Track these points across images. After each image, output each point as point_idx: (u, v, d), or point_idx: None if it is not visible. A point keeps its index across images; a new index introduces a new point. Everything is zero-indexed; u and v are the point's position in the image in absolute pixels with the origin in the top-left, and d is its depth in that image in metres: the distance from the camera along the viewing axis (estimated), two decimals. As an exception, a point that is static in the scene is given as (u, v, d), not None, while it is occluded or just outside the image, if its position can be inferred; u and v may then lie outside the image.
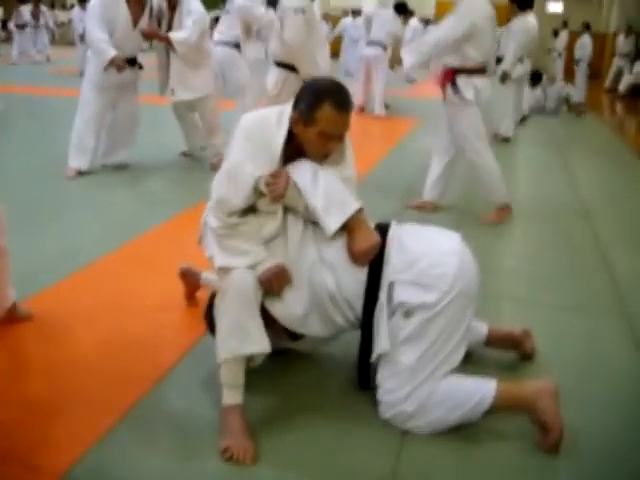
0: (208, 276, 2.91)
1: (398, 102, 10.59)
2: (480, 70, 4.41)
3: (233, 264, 2.20)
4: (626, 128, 11.49)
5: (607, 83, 16.07)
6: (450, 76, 4.42)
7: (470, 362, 2.46)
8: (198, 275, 2.99)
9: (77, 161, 5.25)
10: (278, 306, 2.24)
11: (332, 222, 2.21)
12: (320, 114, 2.20)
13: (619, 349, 2.89)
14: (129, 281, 3.32)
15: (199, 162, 6.00)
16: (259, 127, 2.25)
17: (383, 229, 2.30)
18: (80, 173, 5.27)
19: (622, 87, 14.97)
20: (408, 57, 4.45)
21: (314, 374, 2.55)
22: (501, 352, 2.72)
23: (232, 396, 2.15)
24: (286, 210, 2.27)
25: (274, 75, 5.16)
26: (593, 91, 14.34)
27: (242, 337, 2.12)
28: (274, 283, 2.19)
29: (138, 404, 2.30)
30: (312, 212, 2.23)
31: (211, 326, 2.35)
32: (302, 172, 2.25)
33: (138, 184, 5.29)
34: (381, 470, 2.05)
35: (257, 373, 2.28)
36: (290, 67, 5.04)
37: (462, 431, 2.20)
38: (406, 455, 2.12)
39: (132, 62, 5.26)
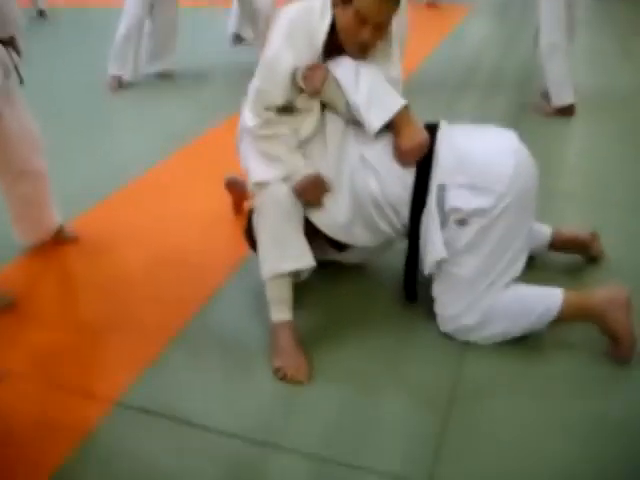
0: None
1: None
2: None
3: (267, 177, 2.07)
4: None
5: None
6: None
7: (533, 267, 2.34)
8: (245, 184, 2.83)
9: (117, 69, 5.11)
10: (320, 215, 2.13)
11: (375, 119, 2.04)
12: None
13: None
14: (177, 194, 3.22)
15: (247, 63, 5.76)
16: (303, 17, 2.05)
17: (432, 128, 2.11)
18: (121, 83, 5.13)
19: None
20: None
21: (365, 286, 2.45)
22: (567, 256, 2.58)
23: (280, 312, 2.09)
24: (325, 109, 2.12)
25: None
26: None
27: (283, 254, 2.04)
28: (309, 193, 2.07)
29: (188, 326, 2.26)
30: (354, 109, 2.06)
31: (252, 243, 2.26)
32: (344, 67, 2.07)
33: (183, 91, 5.12)
34: (443, 382, 1.99)
35: (305, 287, 2.21)
36: None
37: (526, 341, 2.11)
38: (468, 366, 2.05)
39: None
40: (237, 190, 2.94)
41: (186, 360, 2.11)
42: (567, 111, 4.39)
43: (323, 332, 2.21)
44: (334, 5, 2.04)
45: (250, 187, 2.17)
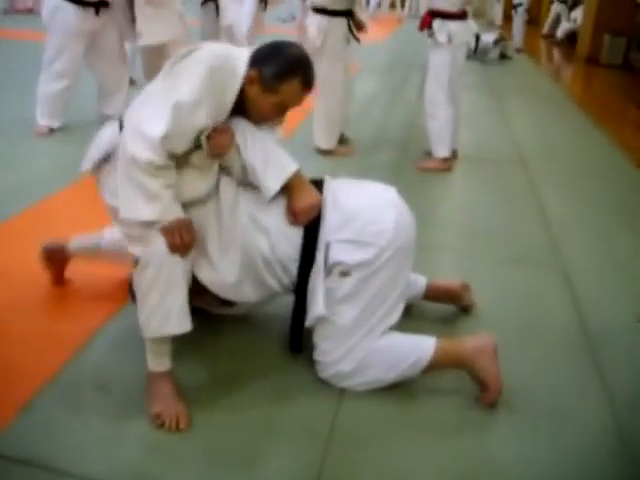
0: (80, 241, 2.63)
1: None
2: (458, 15, 4.44)
3: (140, 213, 1.93)
4: (562, 75, 11.58)
5: (545, 29, 16.11)
6: (428, 19, 4.49)
7: (408, 316, 2.42)
8: (65, 250, 2.63)
9: (47, 120, 4.83)
10: (208, 274, 2.12)
11: (272, 182, 2.09)
12: (287, 86, 2.05)
13: (557, 303, 2.90)
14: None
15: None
16: (222, 69, 1.99)
17: (317, 185, 2.20)
18: (52, 130, 4.85)
19: (560, 33, 15.01)
20: None
21: (247, 337, 2.46)
22: (441, 305, 2.69)
23: (158, 363, 2.05)
24: (219, 170, 2.13)
25: (314, 23, 4.60)
26: (531, 37, 14.35)
27: (164, 318, 1.99)
28: (178, 236, 1.95)
29: (62, 369, 2.19)
30: (250, 172, 2.10)
31: (134, 296, 2.15)
32: (240, 130, 2.10)
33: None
34: (319, 430, 2.00)
35: (187, 337, 2.18)
36: (334, 12, 4.54)
37: (400, 388, 2.17)
38: (344, 413, 2.08)
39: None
40: (57, 257, 2.65)
41: (60, 405, 2.03)
42: (444, 164, 4.68)
43: (204, 381, 2.20)
44: (248, 81, 2.03)
45: (122, 228, 2.07)
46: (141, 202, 1.94)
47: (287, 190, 2.12)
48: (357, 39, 4.68)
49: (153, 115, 1.92)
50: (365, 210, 2.14)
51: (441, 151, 4.68)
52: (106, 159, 2.13)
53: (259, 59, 2.06)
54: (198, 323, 2.15)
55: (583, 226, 3.86)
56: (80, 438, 1.91)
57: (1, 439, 1.87)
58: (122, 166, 1.96)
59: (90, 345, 2.33)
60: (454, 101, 4.68)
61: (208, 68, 1.94)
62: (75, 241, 2.62)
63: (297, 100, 2.12)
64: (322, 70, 4.59)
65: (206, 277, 2.13)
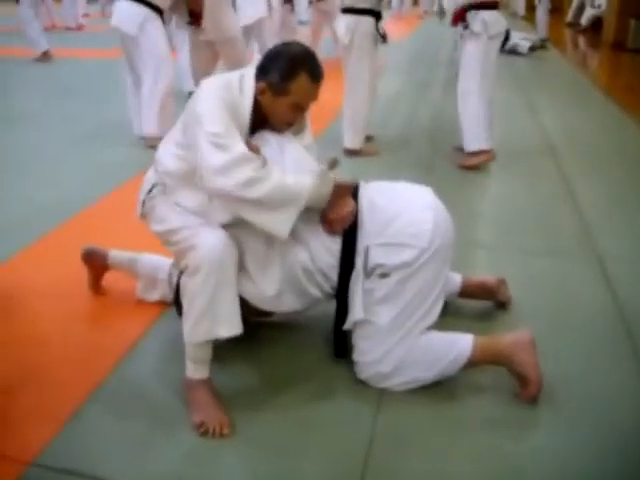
0: (119, 254, 2.71)
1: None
2: (490, 5, 4.41)
3: (285, 215, 2.02)
4: (588, 62, 11.44)
5: (569, 17, 15.94)
6: (462, 13, 4.47)
7: (445, 314, 2.40)
8: (105, 256, 2.71)
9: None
10: (249, 288, 2.15)
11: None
12: (295, 85, 2.08)
13: (592, 292, 2.88)
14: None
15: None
16: (228, 94, 2.06)
17: (353, 191, 2.20)
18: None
19: (584, 21, 14.85)
20: None
21: (289, 343, 2.47)
22: (477, 302, 2.69)
23: (199, 370, 2.08)
24: None
25: (343, 22, 4.64)
26: (555, 26, 14.19)
27: (215, 320, 2.02)
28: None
29: (104, 380, 2.23)
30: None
31: (180, 308, 2.19)
32: (267, 143, 2.13)
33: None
34: (360, 431, 2.01)
35: (230, 343, 2.20)
36: (361, 11, 4.57)
37: (439, 386, 2.18)
38: (384, 414, 2.09)
39: None
40: (97, 263, 2.73)
41: (104, 415, 2.07)
42: (480, 158, 4.59)
43: (246, 387, 2.23)
44: (259, 92, 2.09)
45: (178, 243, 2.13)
46: (280, 208, 2.01)
47: None
48: (384, 39, 4.68)
49: (204, 153, 1.96)
50: (403, 212, 2.15)
51: (475, 144, 4.57)
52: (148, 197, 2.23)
53: (263, 69, 2.11)
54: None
55: (615, 213, 3.83)
56: (125, 448, 1.95)
57: (48, 451, 1.91)
58: (234, 205, 2.02)
59: (130, 356, 2.37)
60: (488, 95, 4.58)
61: (217, 99, 2.01)
62: (115, 252, 2.69)
63: (311, 95, 2.14)
64: (350, 69, 4.66)
65: (246, 291, 2.15)
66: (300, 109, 2.15)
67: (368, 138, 4.99)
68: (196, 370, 2.08)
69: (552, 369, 2.23)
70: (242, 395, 2.17)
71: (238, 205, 2.00)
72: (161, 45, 4.76)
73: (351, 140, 4.80)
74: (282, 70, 2.08)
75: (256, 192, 1.95)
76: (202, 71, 4.88)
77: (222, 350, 2.15)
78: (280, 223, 2.02)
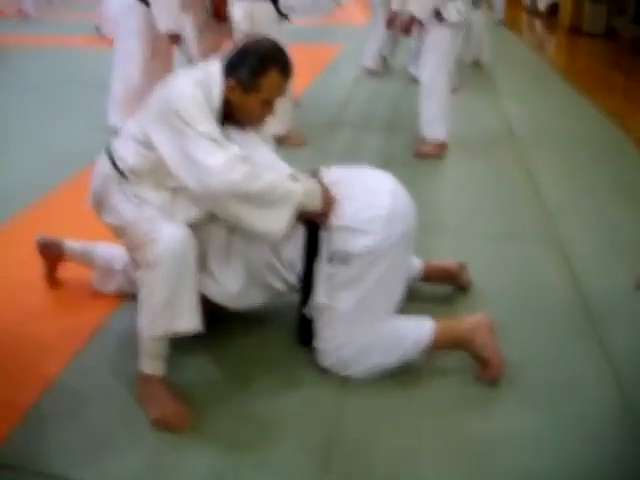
0: (73, 245, 2.65)
1: (320, 30, 10.34)
2: None
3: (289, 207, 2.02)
4: (546, 46, 11.54)
5: (527, 1, 16.05)
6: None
7: (407, 298, 2.40)
8: (61, 247, 2.65)
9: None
10: (212, 287, 2.13)
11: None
12: (266, 80, 2.06)
13: (554, 277, 2.89)
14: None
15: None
16: (201, 92, 2.01)
17: (314, 176, 2.19)
18: None
19: (541, 5, 14.97)
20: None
21: (253, 333, 2.44)
22: (438, 286, 2.69)
23: (155, 366, 2.03)
24: None
25: (240, 8, 4.37)
26: (513, 10, 14.28)
27: (174, 315, 1.98)
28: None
29: (61, 375, 2.18)
30: None
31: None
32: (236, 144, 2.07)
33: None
34: (324, 421, 2.01)
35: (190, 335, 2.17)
36: None
37: (403, 371, 2.18)
38: (348, 401, 2.09)
39: None
40: (52, 253, 2.67)
41: (60, 411, 2.02)
42: (439, 148, 4.58)
43: (210, 379, 2.20)
44: (229, 89, 2.06)
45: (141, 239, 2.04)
46: (278, 204, 2.00)
47: None
48: (287, 18, 4.46)
49: (201, 153, 1.93)
50: (362, 197, 2.14)
51: (439, 133, 4.55)
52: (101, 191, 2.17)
53: (232, 66, 2.08)
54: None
55: (576, 196, 3.86)
56: (83, 445, 1.91)
57: (2, 449, 1.86)
58: (230, 208, 1.98)
59: (87, 350, 2.32)
60: (450, 84, 4.54)
61: (197, 96, 1.98)
62: (70, 243, 2.64)
63: (280, 90, 2.12)
64: None
65: (210, 291, 2.14)
66: (270, 105, 2.13)
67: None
68: (152, 365, 2.03)
69: (514, 352, 2.25)
70: (203, 389, 2.14)
71: (235, 206, 1.96)
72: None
73: (276, 126, 4.29)
74: (253, 66, 2.05)
75: (260, 183, 1.95)
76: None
77: (182, 343, 2.11)
78: (277, 219, 2.00)
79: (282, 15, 4.42)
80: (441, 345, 2.17)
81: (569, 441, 1.93)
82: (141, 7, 4.35)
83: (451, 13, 4.29)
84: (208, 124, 1.96)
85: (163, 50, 4.54)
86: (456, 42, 4.47)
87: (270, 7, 4.35)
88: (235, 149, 1.95)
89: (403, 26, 4.40)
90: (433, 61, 4.44)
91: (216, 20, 4.75)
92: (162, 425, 1.94)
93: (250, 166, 1.95)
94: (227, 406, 2.06)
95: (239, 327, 2.45)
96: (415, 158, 4.52)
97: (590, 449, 1.91)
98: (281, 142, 4.38)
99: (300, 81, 4.76)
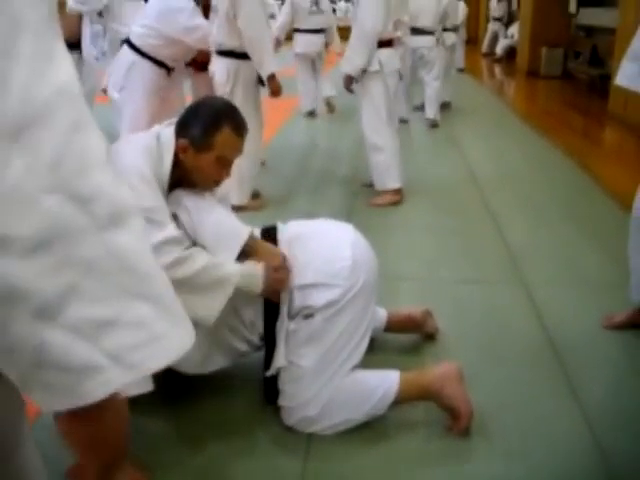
0: None
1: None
2: (386, 43, 4.34)
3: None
4: (505, 90, 11.80)
5: (484, 47, 16.46)
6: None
7: (372, 350, 2.36)
8: None
9: None
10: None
11: (226, 258, 2.04)
12: (219, 138, 2.04)
13: (520, 320, 2.87)
14: None
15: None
16: (150, 159, 1.98)
17: (270, 234, 2.17)
18: None
19: (499, 50, 15.35)
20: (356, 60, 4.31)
21: (215, 390, 2.35)
22: (404, 335, 2.65)
23: None
24: None
25: (222, 67, 4.18)
26: (471, 56, 14.65)
27: None
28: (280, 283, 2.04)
29: None
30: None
31: None
32: (183, 210, 2.05)
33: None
34: (289, 477, 1.93)
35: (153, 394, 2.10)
36: (241, 55, 4.14)
37: (370, 425, 2.11)
38: (314, 457, 2.01)
39: None
40: None
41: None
42: (393, 197, 4.59)
43: (164, 442, 2.11)
44: (180, 150, 2.03)
45: None
46: (207, 292, 1.96)
47: (245, 257, 2.07)
48: (262, 83, 4.28)
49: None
50: (321, 252, 2.11)
51: (392, 182, 4.57)
52: None
53: (182, 127, 2.06)
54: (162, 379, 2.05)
55: (540, 239, 3.87)
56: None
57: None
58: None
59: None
60: (394, 130, 4.59)
61: (138, 173, 1.92)
62: None
63: (235, 148, 2.11)
64: None
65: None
66: (226, 163, 2.10)
67: (255, 195, 4.62)
68: None
69: (483, 399, 2.21)
70: (158, 454, 2.04)
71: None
72: None
73: (237, 197, 4.29)
74: (204, 125, 2.03)
75: (183, 271, 1.90)
76: None
77: (137, 404, 2.02)
78: (206, 308, 1.96)
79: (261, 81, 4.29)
80: (408, 397, 2.11)
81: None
82: (144, 62, 4.28)
83: (372, 64, 4.31)
84: (151, 201, 1.91)
85: (172, 101, 4.47)
86: (388, 90, 4.44)
87: (253, 68, 4.19)
88: (170, 230, 1.90)
89: (344, 83, 4.46)
90: (369, 113, 4.49)
91: (194, 70, 4.75)
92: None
93: (182, 250, 1.91)
94: (182, 473, 1.96)
95: (198, 385, 2.36)
96: (373, 209, 4.50)
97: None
98: (240, 210, 4.20)
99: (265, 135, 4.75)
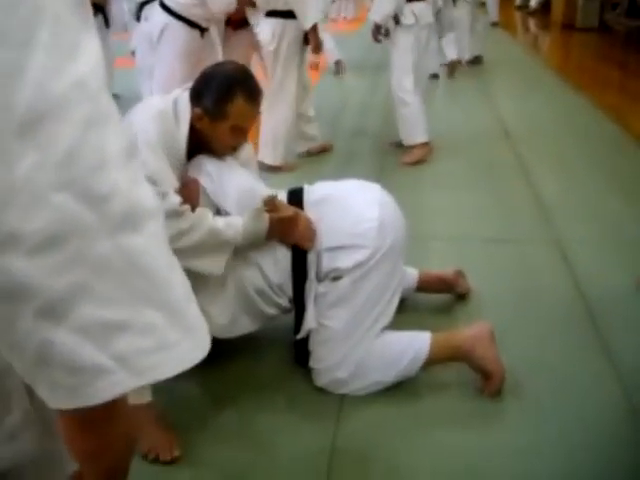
0: None
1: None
2: None
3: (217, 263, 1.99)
4: (540, 44, 11.51)
5: (518, 0, 16.03)
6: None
7: (403, 310, 2.36)
8: None
9: None
10: None
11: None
12: (232, 107, 2.01)
13: (554, 279, 2.83)
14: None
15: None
16: (163, 124, 1.96)
17: (297, 196, 2.15)
18: None
19: (533, 2, 14.94)
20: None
21: (247, 353, 2.36)
22: (436, 295, 2.63)
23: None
24: None
25: (268, 27, 4.23)
26: (505, 9, 14.26)
27: None
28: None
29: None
30: (226, 215, 2.06)
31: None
32: (205, 174, 2.05)
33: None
34: (322, 439, 1.94)
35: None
36: (286, 14, 4.16)
37: (401, 385, 2.11)
38: (345, 420, 2.02)
39: None
40: None
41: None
42: (422, 152, 4.53)
43: (199, 404, 2.14)
44: (195, 118, 2.01)
45: None
46: (211, 254, 1.97)
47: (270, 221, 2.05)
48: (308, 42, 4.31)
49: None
50: (348, 213, 2.10)
51: (419, 137, 4.52)
52: None
53: (196, 95, 2.04)
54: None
55: (574, 196, 3.80)
56: None
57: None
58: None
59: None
60: (420, 85, 4.54)
61: (153, 131, 1.92)
62: None
63: (249, 115, 2.08)
64: (275, 78, 4.34)
65: None
66: (241, 131, 2.08)
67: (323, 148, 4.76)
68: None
69: (515, 359, 2.19)
70: (194, 413, 2.07)
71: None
72: None
73: (271, 156, 4.38)
74: (217, 93, 2.01)
75: (185, 242, 1.90)
76: None
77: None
78: (212, 265, 1.98)
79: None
80: (439, 359, 2.11)
81: (575, 451, 1.87)
82: (178, 24, 4.20)
83: (407, 16, 4.30)
84: (150, 167, 1.87)
85: (206, 64, 4.39)
86: (419, 44, 4.43)
87: (298, 28, 4.22)
88: (171, 201, 1.88)
89: (372, 33, 4.44)
90: (397, 66, 4.47)
91: (231, 29, 4.71)
92: (152, 456, 1.87)
93: (185, 221, 1.90)
94: (217, 432, 1.98)
95: (231, 344, 2.35)
96: (405, 167, 4.46)
97: (596, 457, 1.84)
98: (274, 170, 4.35)
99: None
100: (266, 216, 2.02)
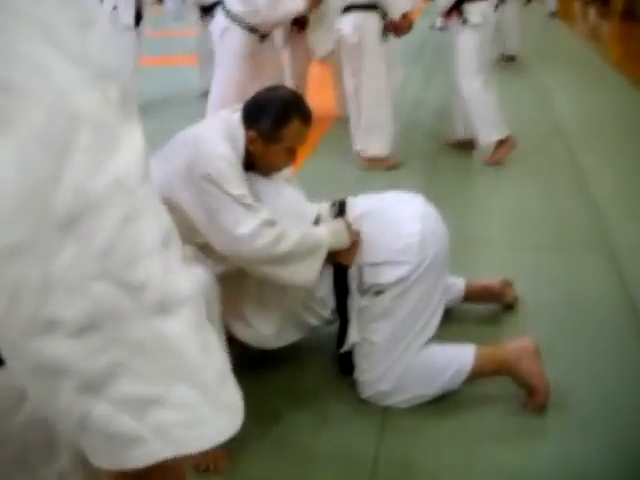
0: None
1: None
2: None
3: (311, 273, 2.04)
4: (598, 35, 11.22)
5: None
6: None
7: (449, 321, 2.37)
8: None
9: None
10: (247, 333, 2.15)
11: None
12: (288, 130, 2.06)
13: (605, 291, 2.77)
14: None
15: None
16: (231, 147, 2.01)
17: (340, 208, 2.19)
18: None
19: (592, -9, 14.57)
20: None
21: (290, 363, 2.38)
22: (483, 306, 2.62)
23: None
24: None
25: (348, 22, 4.26)
26: (565, 0, 13.95)
27: None
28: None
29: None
30: None
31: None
32: (262, 193, 2.10)
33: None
34: (365, 449, 1.97)
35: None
36: (365, 6, 4.24)
37: (444, 399, 2.12)
38: (389, 430, 2.05)
39: None
40: None
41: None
42: (504, 149, 4.44)
43: (250, 410, 2.17)
44: (249, 141, 2.05)
45: None
46: (306, 257, 2.02)
47: None
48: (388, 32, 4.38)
49: (232, 218, 1.93)
50: (390, 228, 2.12)
51: (494, 135, 4.38)
52: None
53: (251, 117, 2.07)
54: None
55: (632, 202, 3.68)
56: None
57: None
58: (259, 265, 2.00)
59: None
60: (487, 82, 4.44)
61: (227, 154, 1.98)
62: None
63: (302, 138, 2.13)
64: (364, 70, 4.36)
65: (244, 336, 2.16)
66: (292, 153, 2.13)
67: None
68: None
69: (561, 373, 2.18)
70: (248, 411, 2.10)
71: (263, 267, 1.99)
72: None
73: (378, 146, 4.38)
74: (273, 118, 2.05)
75: (285, 246, 1.95)
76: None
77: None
78: (307, 271, 2.02)
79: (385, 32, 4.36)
80: (483, 372, 2.11)
81: (621, 471, 1.85)
82: (237, 28, 4.31)
83: (474, 15, 4.25)
84: (240, 187, 1.95)
85: (266, 67, 4.47)
86: (485, 44, 4.39)
87: (379, 20, 4.28)
88: (263, 214, 1.95)
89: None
90: (466, 70, 4.38)
91: (297, 30, 4.86)
92: (202, 468, 1.91)
93: (277, 228, 1.95)
94: (262, 444, 2.01)
95: (274, 355, 2.38)
96: (460, 164, 4.41)
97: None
98: (376, 163, 4.38)
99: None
100: (347, 236, 2.07)
